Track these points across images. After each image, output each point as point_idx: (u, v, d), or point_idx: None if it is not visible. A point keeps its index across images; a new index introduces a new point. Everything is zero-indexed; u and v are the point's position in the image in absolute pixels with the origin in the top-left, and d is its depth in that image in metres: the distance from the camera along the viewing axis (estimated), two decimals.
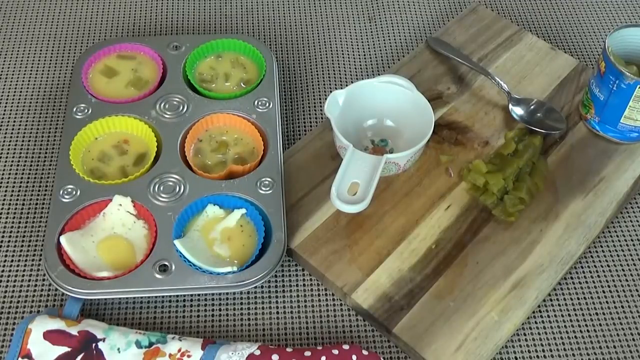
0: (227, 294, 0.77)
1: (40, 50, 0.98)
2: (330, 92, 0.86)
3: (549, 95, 0.93)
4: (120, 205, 0.78)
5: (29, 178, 0.85)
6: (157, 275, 0.73)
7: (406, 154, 0.79)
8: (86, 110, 0.85)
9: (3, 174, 0.86)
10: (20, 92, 0.94)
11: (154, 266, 0.74)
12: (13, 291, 0.77)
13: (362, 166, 0.77)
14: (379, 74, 0.95)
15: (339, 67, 0.98)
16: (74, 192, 0.78)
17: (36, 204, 0.83)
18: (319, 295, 0.77)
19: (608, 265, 0.81)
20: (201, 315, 0.76)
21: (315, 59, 0.98)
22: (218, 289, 0.74)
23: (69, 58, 0.98)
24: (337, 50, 0.99)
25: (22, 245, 0.80)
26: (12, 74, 0.96)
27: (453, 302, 0.75)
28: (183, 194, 0.79)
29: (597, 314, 0.77)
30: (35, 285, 0.77)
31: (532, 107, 0.90)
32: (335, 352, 0.69)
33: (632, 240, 0.83)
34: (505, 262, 0.78)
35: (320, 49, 1.00)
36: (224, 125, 0.86)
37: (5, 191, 0.84)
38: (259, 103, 0.87)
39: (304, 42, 1.00)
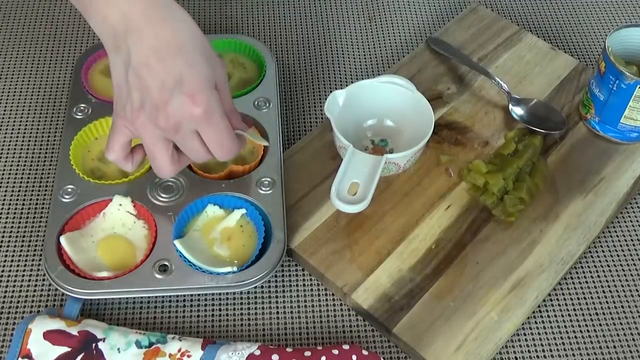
0: (227, 294, 0.77)
1: (40, 50, 0.98)
2: (330, 92, 0.86)
3: (549, 95, 0.93)
4: (120, 205, 0.78)
5: (29, 178, 0.86)
6: (157, 275, 0.73)
7: (406, 154, 0.79)
8: (86, 110, 0.85)
9: (3, 174, 0.86)
10: (20, 92, 0.94)
11: (154, 266, 0.74)
12: (13, 291, 0.77)
13: (362, 166, 0.77)
14: (379, 74, 0.95)
15: (339, 67, 0.98)
16: (74, 192, 0.78)
17: (36, 204, 0.83)
18: (319, 295, 0.77)
19: (608, 265, 0.81)
20: (201, 315, 0.76)
21: (315, 59, 0.98)
22: (218, 289, 0.74)
23: (69, 58, 0.98)
24: (337, 50, 0.99)
25: (22, 245, 0.80)
26: (12, 74, 0.96)
27: (453, 302, 0.75)
28: (183, 194, 0.79)
29: (597, 314, 0.77)
30: (35, 285, 0.77)
31: (532, 107, 0.90)
32: (335, 352, 0.69)
33: (632, 240, 0.83)
34: (505, 262, 0.78)
35: (320, 49, 1.00)
36: None
37: (5, 191, 0.84)
38: (259, 103, 0.87)
39: (304, 42, 1.00)
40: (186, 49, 0.65)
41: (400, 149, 0.83)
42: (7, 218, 0.82)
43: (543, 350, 0.74)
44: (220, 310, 0.76)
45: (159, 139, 0.67)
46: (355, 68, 0.98)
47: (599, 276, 0.80)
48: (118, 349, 0.70)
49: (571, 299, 0.78)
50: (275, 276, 0.78)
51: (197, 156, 0.69)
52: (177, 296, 0.77)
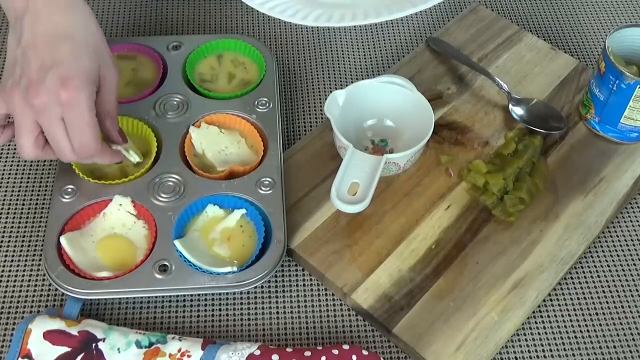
0: (227, 294, 0.77)
1: None
2: (330, 92, 0.86)
3: (549, 95, 0.93)
4: (120, 205, 0.78)
5: (29, 178, 0.86)
6: (157, 275, 0.73)
7: (406, 154, 0.79)
8: None
9: (3, 174, 0.86)
10: None
11: (154, 266, 0.74)
12: (13, 291, 0.77)
13: (362, 166, 0.77)
14: (379, 74, 0.95)
15: (339, 67, 0.98)
16: (74, 192, 0.78)
17: (36, 204, 0.83)
18: (319, 295, 0.78)
19: (608, 265, 0.81)
20: (201, 315, 0.76)
21: (315, 59, 0.98)
22: (218, 289, 0.74)
23: None
24: (337, 50, 0.99)
25: (22, 245, 0.80)
26: None
27: (453, 302, 0.75)
28: (183, 194, 0.79)
29: (597, 314, 0.77)
30: (35, 285, 0.77)
31: (532, 107, 0.90)
32: (335, 352, 0.69)
33: (632, 240, 0.83)
34: (505, 262, 0.78)
35: (320, 49, 1.00)
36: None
37: (5, 191, 0.84)
38: (259, 103, 0.87)
39: (304, 42, 1.00)
40: (74, 40, 0.69)
41: (400, 149, 0.83)
42: (7, 218, 0.82)
43: (543, 350, 0.74)
44: (220, 310, 0.76)
45: (28, 117, 0.68)
46: (355, 68, 0.98)
47: (599, 276, 0.80)
48: (118, 349, 0.70)
49: (571, 299, 0.78)
50: (275, 276, 0.78)
51: (58, 147, 0.69)
52: (177, 296, 0.77)
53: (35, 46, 0.68)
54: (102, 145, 0.71)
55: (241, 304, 0.77)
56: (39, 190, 0.84)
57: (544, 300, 0.77)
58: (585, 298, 0.78)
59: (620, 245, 0.82)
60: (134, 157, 0.79)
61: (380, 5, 0.89)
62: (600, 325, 0.76)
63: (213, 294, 0.77)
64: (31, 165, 0.86)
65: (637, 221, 0.84)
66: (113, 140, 0.75)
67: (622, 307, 0.78)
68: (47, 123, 0.68)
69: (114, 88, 0.73)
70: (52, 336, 0.70)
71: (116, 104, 0.74)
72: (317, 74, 0.97)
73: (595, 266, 0.81)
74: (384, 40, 1.01)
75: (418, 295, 0.75)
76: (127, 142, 0.78)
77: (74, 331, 0.70)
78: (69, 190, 0.78)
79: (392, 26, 1.03)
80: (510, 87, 0.91)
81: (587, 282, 0.79)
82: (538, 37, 1.00)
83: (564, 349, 0.74)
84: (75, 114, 0.67)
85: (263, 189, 0.79)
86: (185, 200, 0.78)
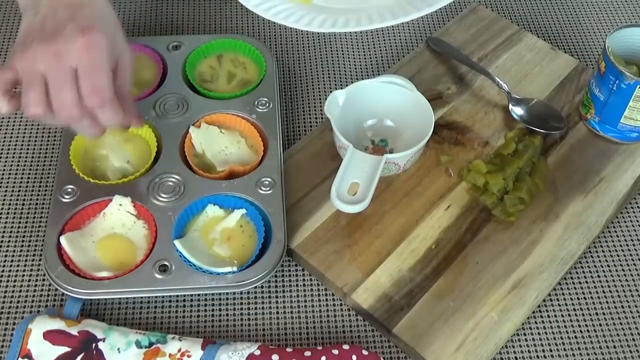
0: (227, 294, 0.77)
1: None
2: (330, 92, 0.86)
3: (549, 95, 0.93)
4: (120, 205, 0.78)
5: (29, 178, 0.85)
6: (157, 275, 0.73)
7: (406, 154, 0.79)
8: None
9: (3, 174, 0.86)
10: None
11: (154, 266, 0.74)
12: (13, 291, 0.77)
13: (362, 166, 0.77)
14: (379, 74, 0.95)
15: (339, 67, 0.98)
16: (74, 192, 0.78)
17: (36, 204, 0.83)
18: (319, 295, 0.78)
19: (608, 265, 0.81)
20: (201, 315, 0.76)
21: (315, 59, 0.98)
22: (218, 289, 0.74)
23: None
24: (337, 50, 0.99)
25: (22, 245, 0.80)
26: None
27: (453, 302, 0.75)
28: (183, 194, 0.79)
29: (597, 314, 0.77)
30: (35, 285, 0.77)
31: (532, 107, 0.90)
32: (335, 352, 0.69)
33: (632, 240, 0.83)
34: (505, 262, 0.78)
35: (320, 49, 1.00)
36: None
37: (5, 191, 0.84)
38: (259, 103, 0.87)
39: (304, 42, 1.00)
40: (95, 9, 0.69)
41: (400, 149, 0.83)
42: (7, 218, 0.82)
43: (543, 350, 0.74)
44: (220, 310, 0.76)
45: (37, 74, 0.67)
46: (355, 68, 0.98)
47: (599, 276, 0.80)
48: (118, 349, 0.70)
49: (571, 299, 0.78)
50: (275, 276, 0.78)
51: (62, 97, 0.67)
52: (177, 296, 0.77)
53: (55, 12, 0.68)
54: (114, 96, 0.69)
55: (241, 304, 0.77)
56: (39, 190, 0.84)
57: (544, 300, 0.77)
58: (585, 298, 0.78)
59: (620, 245, 0.82)
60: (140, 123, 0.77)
61: (384, 10, 0.89)
62: (600, 325, 0.76)
63: (213, 294, 0.77)
64: (31, 165, 0.86)
65: (637, 221, 0.84)
66: (131, 122, 0.73)
67: (622, 307, 0.78)
68: (55, 71, 0.66)
69: (129, 71, 0.72)
70: (52, 336, 0.70)
71: (131, 87, 0.72)
72: (317, 74, 0.97)
73: (595, 266, 0.81)
74: (384, 40, 1.01)
75: (418, 295, 0.75)
76: (143, 124, 0.79)
77: (74, 331, 0.70)
78: (69, 190, 0.78)
79: (392, 26, 1.03)
80: (510, 87, 0.91)
81: (587, 282, 0.79)
82: (538, 37, 1.00)
83: (564, 349, 0.74)
84: (93, 56, 0.66)
85: (263, 189, 0.79)
86: (185, 200, 0.78)
